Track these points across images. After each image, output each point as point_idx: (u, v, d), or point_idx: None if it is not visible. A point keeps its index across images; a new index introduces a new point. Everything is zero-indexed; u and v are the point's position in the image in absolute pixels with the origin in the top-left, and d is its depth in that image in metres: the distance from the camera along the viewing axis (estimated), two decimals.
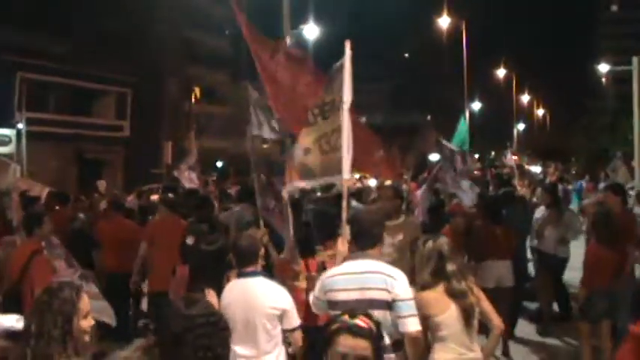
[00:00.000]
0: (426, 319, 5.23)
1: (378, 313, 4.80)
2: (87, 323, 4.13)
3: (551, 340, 10.38)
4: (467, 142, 14.62)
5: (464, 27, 57.25)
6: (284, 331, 5.60)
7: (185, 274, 6.87)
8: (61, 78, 39.70)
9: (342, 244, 5.82)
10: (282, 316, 5.54)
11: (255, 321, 5.50)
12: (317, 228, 7.82)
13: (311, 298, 5.54)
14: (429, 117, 77.13)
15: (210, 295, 5.78)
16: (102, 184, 21.83)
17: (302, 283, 7.24)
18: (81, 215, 12.28)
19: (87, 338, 4.14)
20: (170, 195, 12.81)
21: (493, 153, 79.12)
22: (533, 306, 11.55)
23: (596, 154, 43.85)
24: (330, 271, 5.43)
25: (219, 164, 49.78)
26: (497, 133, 76.76)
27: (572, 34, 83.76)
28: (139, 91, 44.53)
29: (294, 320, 5.61)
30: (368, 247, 5.26)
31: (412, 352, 5.01)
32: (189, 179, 14.78)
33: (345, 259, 5.55)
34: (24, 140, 31.30)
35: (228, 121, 48.35)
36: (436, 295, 5.36)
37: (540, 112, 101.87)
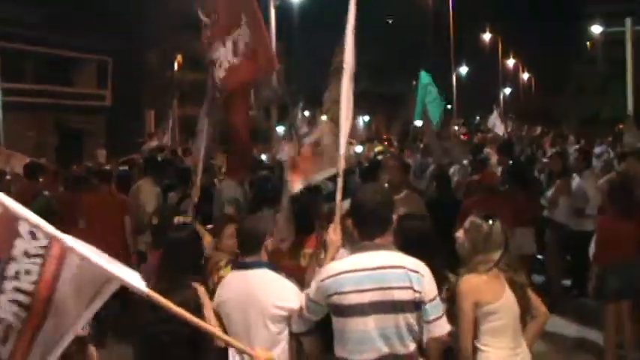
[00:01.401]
0: (475, 308, 4.55)
1: (402, 318, 4.08)
2: None
3: (559, 317, 9.81)
4: (433, 102, 14.20)
5: None
6: (293, 335, 4.68)
7: (156, 261, 5.80)
8: (39, 47, 38.55)
9: (335, 232, 4.91)
10: (289, 318, 4.62)
11: (256, 322, 4.64)
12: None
13: (302, 300, 4.55)
14: (414, 83, 76.38)
15: (198, 292, 4.94)
16: (102, 154, 21.17)
17: (301, 262, 6.52)
18: (45, 192, 11.42)
19: None
20: (107, 167, 12.14)
21: (478, 118, 78.79)
22: (540, 279, 10.95)
23: (586, 118, 43.28)
24: (330, 269, 4.32)
25: None
26: (483, 97, 76.21)
27: None
28: (121, 60, 43.50)
29: None
30: (377, 234, 4.27)
31: (436, 353, 4.32)
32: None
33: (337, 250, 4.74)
34: (0, 111, 30.47)
35: None
36: (489, 279, 4.64)
37: (525, 76, 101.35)
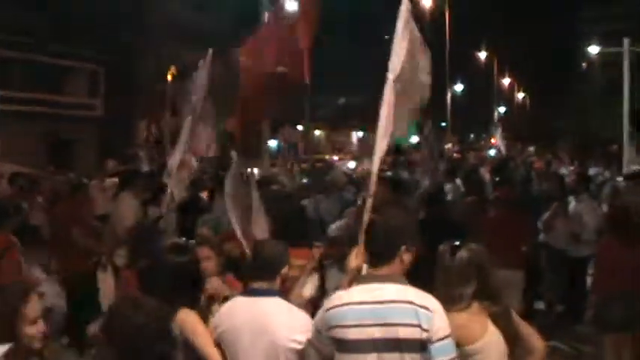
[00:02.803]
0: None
1: (408, 358, 3.66)
2: (35, 329, 3.74)
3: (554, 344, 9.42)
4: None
5: (447, 6, 56.36)
6: None
7: (131, 280, 5.42)
8: (29, 54, 38.15)
9: (356, 258, 4.45)
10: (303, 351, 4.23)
11: (267, 356, 4.25)
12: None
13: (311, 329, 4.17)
14: None
15: (185, 319, 4.43)
16: (110, 164, 20.79)
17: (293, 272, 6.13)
18: (24, 204, 10.85)
19: (37, 345, 3.76)
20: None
21: (472, 135, 78.62)
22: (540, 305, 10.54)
23: (585, 137, 42.96)
24: (335, 299, 3.97)
25: None
26: (477, 116, 76.08)
27: (552, 16, 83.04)
28: (112, 70, 43.14)
29: None
30: (382, 262, 3.90)
31: None
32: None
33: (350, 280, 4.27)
34: None
35: None
36: (468, 317, 4.17)
37: (520, 95, 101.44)
